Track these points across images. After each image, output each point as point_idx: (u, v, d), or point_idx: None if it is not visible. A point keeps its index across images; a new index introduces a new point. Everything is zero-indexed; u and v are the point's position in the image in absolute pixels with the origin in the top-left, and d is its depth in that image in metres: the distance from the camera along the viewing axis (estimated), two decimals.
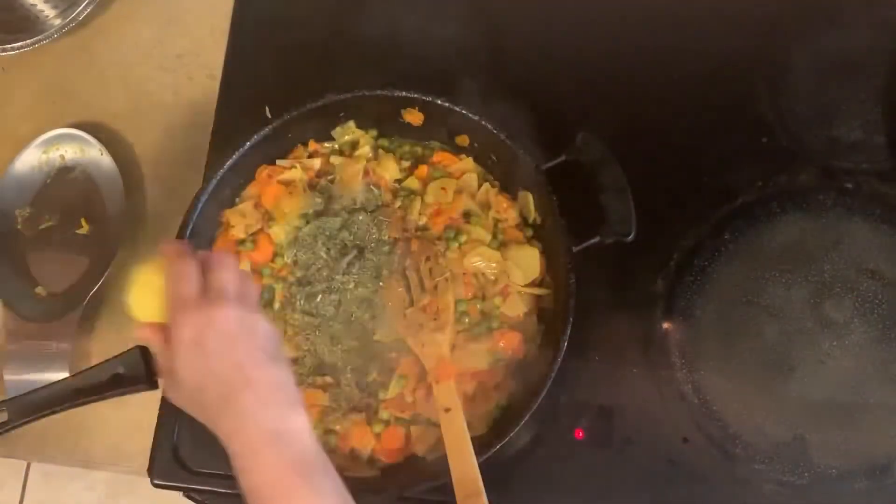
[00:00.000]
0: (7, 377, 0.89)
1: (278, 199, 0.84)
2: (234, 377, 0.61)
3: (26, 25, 1.02)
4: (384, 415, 0.79)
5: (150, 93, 1.00)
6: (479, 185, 0.85)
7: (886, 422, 0.79)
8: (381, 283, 0.82)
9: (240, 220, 0.84)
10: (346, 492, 0.60)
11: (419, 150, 0.88)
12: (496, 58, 0.94)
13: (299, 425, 0.61)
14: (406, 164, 0.87)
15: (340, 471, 0.76)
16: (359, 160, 0.85)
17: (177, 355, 0.62)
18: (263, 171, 0.86)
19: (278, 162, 0.87)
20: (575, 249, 0.78)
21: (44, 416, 0.75)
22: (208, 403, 0.62)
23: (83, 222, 0.94)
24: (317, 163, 0.86)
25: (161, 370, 0.66)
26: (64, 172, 0.97)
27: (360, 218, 0.83)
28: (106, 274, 0.90)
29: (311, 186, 0.85)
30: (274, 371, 0.62)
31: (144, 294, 0.66)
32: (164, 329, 0.64)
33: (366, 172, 0.85)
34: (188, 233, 0.81)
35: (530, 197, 0.83)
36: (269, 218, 0.84)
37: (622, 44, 0.94)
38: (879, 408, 0.79)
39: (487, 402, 0.79)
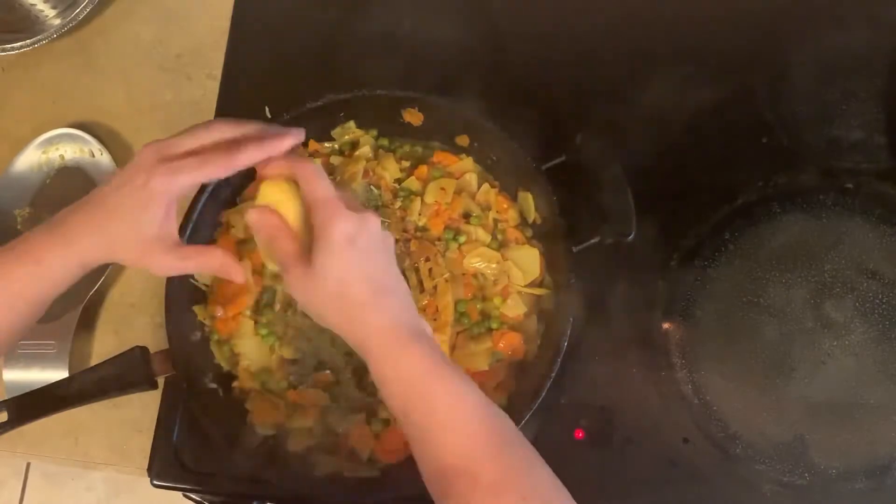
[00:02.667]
0: (7, 377, 0.89)
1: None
2: (383, 279, 0.64)
3: (26, 25, 1.02)
4: (384, 415, 0.79)
5: (149, 93, 1.00)
6: (479, 186, 0.85)
7: (886, 422, 0.79)
8: None
9: (240, 221, 0.84)
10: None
11: (419, 150, 0.88)
12: (496, 58, 0.94)
13: (430, 331, 0.65)
14: (406, 164, 0.87)
15: (340, 471, 0.78)
16: (359, 160, 0.85)
17: (327, 250, 0.62)
18: None
19: None
20: (575, 249, 0.78)
21: (44, 416, 0.75)
22: (351, 300, 0.63)
23: None
24: (317, 163, 0.86)
25: (288, 256, 0.65)
26: (63, 172, 0.97)
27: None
28: (106, 274, 0.90)
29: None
30: (404, 287, 0.66)
31: (281, 194, 0.66)
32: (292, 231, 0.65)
33: (366, 172, 0.85)
34: (188, 233, 0.81)
35: (530, 197, 0.83)
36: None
37: (622, 44, 0.94)
38: (879, 408, 0.79)
39: None
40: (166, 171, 0.62)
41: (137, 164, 0.63)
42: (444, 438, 0.59)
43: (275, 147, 0.65)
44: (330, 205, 0.63)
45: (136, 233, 0.64)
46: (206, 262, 0.68)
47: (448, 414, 0.60)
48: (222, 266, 0.68)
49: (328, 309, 0.64)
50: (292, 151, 0.68)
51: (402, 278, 0.66)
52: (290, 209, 0.66)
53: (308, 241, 0.65)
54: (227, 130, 0.65)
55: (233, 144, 0.64)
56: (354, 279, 0.63)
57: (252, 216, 0.66)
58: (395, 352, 0.62)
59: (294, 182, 0.66)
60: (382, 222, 0.82)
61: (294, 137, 0.67)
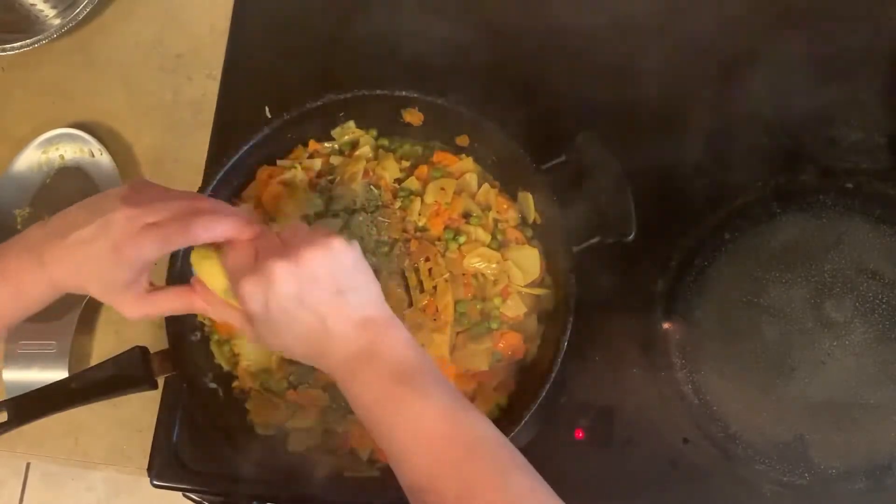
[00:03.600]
0: (7, 377, 0.89)
1: (278, 199, 0.84)
2: (315, 327, 0.62)
3: (26, 25, 1.02)
4: None
5: (149, 93, 1.00)
6: (479, 186, 0.85)
7: (886, 422, 0.79)
8: (379, 284, 0.82)
9: None
10: (455, 390, 0.61)
11: (419, 150, 0.88)
12: (496, 58, 0.94)
13: (391, 340, 0.62)
14: (406, 164, 0.87)
15: (340, 471, 0.78)
16: (359, 160, 0.85)
17: (260, 331, 0.64)
18: (264, 172, 0.86)
19: (279, 162, 0.87)
20: (575, 249, 0.78)
21: (44, 416, 0.75)
22: (304, 354, 0.64)
23: None
24: (317, 163, 0.86)
25: (251, 337, 0.66)
26: (63, 172, 0.97)
27: (360, 219, 0.83)
28: None
29: (312, 187, 0.85)
30: (349, 302, 0.62)
31: (210, 272, 0.67)
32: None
33: (366, 172, 0.85)
34: None
35: (530, 197, 0.83)
36: (269, 218, 0.84)
37: (622, 44, 0.94)
38: (879, 408, 0.79)
39: (487, 402, 0.79)
40: (133, 245, 0.62)
41: (109, 224, 0.62)
42: (406, 461, 0.59)
43: (236, 227, 0.64)
44: (234, 279, 0.63)
45: (106, 285, 0.64)
46: (174, 306, 0.69)
47: (406, 436, 0.59)
48: (186, 307, 0.69)
49: (289, 348, 0.65)
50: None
51: (343, 292, 0.62)
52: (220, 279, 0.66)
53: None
54: (196, 202, 0.65)
55: (198, 216, 0.63)
56: (292, 343, 0.63)
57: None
58: (347, 384, 0.62)
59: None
60: (382, 223, 0.82)
61: (255, 227, 0.65)
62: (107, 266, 0.63)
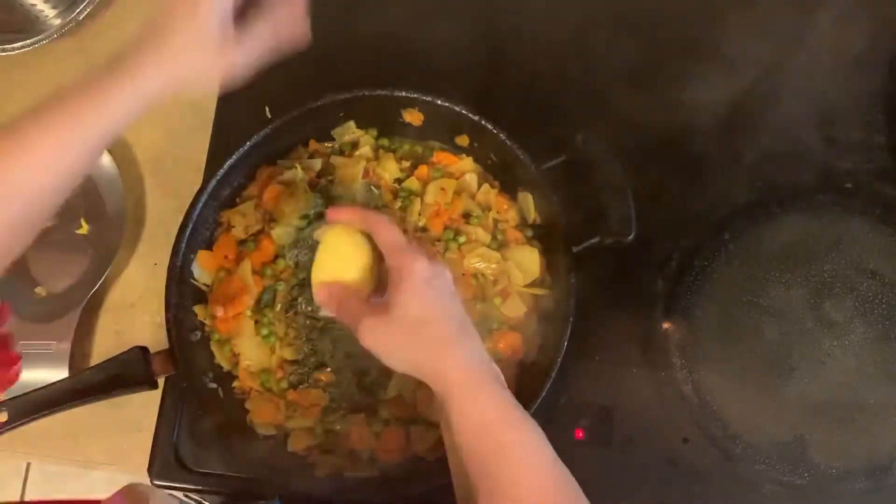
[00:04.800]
0: None
1: (279, 199, 0.84)
2: (462, 321, 0.65)
3: (26, 25, 1.02)
4: (384, 415, 0.79)
5: None
6: (479, 186, 0.85)
7: (886, 422, 0.79)
8: None
9: (240, 221, 0.84)
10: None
11: (419, 150, 0.88)
12: (496, 58, 0.94)
13: (502, 376, 0.64)
14: (406, 164, 0.87)
15: (340, 471, 0.78)
16: (359, 160, 0.85)
17: (407, 290, 0.64)
18: (264, 172, 0.86)
19: (279, 162, 0.87)
20: (575, 249, 0.78)
21: (44, 416, 0.75)
22: (434, 336, 0.64)
23: (82, 222, 0.94)
24: (317, 163, 0.86)
25: (359, 313, 0.66)
26: None
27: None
28: (106, 274, 0.90)
29: (312, 187, 0.85)
30: (473, 330, 0.66)
31: (332, 257, 0.70)
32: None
33: (366, 172, 0.85)
34: (188, 233, 0.81)
35: (530, 197, 0.83)
36: (269, 218, 0.84)
37: (623, 44, 0.94)
38: (879, 408, 0.79)
39: None
40: None
41: None
42: (514, 486, 0.59)
43: None
44: (406, 249, 0.66)
45: (201, 48, 0.64)
46: (270, 37, 0.69)
47: (521, 462, 0.59)
48: (287, 35, 0.70)
49: (406, 347, 0.65)
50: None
51: (472, 326, 0.66)
52: (356, 257, 0.69)
53: (372, 288, 0.69)
54: None
55: None
56: (436, 316, 0.64)
57: (321, 296, 0.69)
58: (473, 391, 0.62)
59: (351, 231, 0.69)
60: None
61: None
62: (194, 31, 0.63)
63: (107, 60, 0.65)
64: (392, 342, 0.65)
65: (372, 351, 0.66)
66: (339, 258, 0.70)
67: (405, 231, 0.83)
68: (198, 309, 0.83)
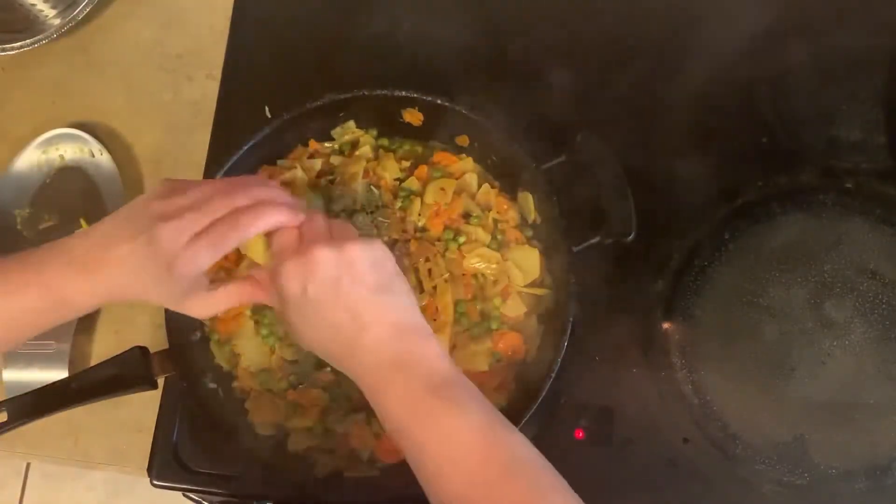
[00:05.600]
0: (7, 377, 0.89)
1: None
2: (348, 324, 0.61)
3: (26, 25, 1.02)
4: None
5: (149, 93, 1.00)
6: (479, 186, 0.85)
7: (887, 422, 0.79)
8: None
9: None
10: (491, 406, 0.60)
11: (419, 150, 0.88)
12: (496, 58, 0.94)
13: (425, 350, 0.61)
14: (406, 164, 0.87)
15: (340, 471, 0.78)
16: (359, 160, 0.85)
17: (290, 315, 0.63)
18: (264, 172, 0.86)
19: (279, 162, 0.87)
20: (575, 249, 0.78)
21: (44, 416, 0.75)
22: (331, 352, 0.63)
23: (83, 222, 0.94)
24: (318, 163, 0.86)
25: (283, 324, 0.66)
26: (63, 172, 0.97)
27: (360, 219, 0.83)
28: None
29: (312, 187, 0.85)
30: (387, 303, 0.61)
31: (256, 249, 0.68)
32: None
33: (366, 172, 0.85)
34: None
35: (530, 197, 0.83)
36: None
37: (623, 44, 0.94)
38: (880, 408, 0.79)
39: None
40: (188, 258, 0.61)
41: (156, 240, 0.61)
42: (438, 479, 0.57)
43: (291, 216, 0.64)
44: (280, 257, 0.63)
45: (167, 297, 0.65)
46: (239, 300, 0.69)
47: (439, 453, 0.57)
48: (253, 297, 0.69)
49: (322, 356, 0.65)
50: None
51: (382, 292, 0.62)
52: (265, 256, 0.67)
53: None
54: (239, 198, 0.64)
55: (247, 212, 0.63)
56: (323, 335, 0.63)
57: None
58: (377, 393, 0.60)
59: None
60: (382, 224, 0.82)
61: (298, 209, 0.66)
62: (161, 282, 0.62)
63: (54, 250, 0.64)
64: (313, 349, 0.65)
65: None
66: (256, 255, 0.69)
67: (404, 230, 0.83)
68: None
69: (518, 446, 0.58)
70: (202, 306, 0.67)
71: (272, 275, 0.64)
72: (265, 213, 0.63)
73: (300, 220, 0.65)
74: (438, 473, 0.57)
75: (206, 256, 0.62)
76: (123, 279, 0.62)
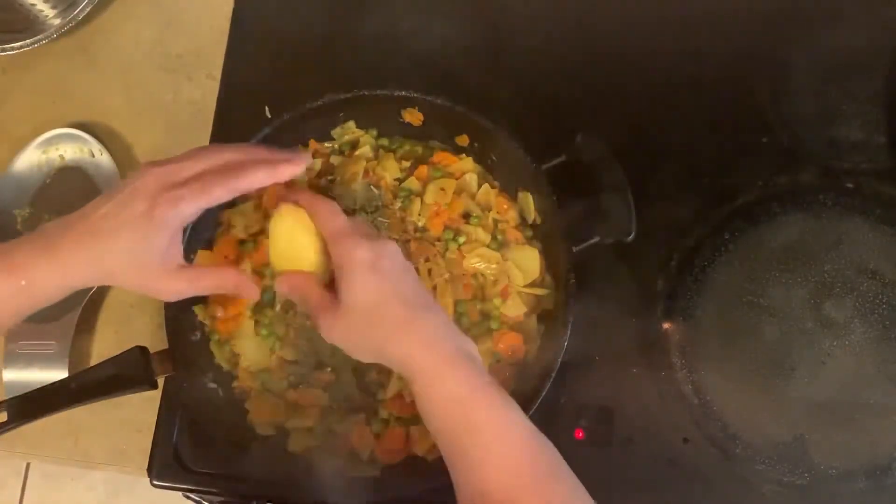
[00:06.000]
0: (7, 377, 0.89)
1: (279, 199, 0.84)
2: (417, 299, 0.62)
3: (26, 25, 1.02)
4: (384, 415, 0.79)
5: (149, 93, 1.00)
6: (479, 186, 0.85)
7: (886, 422, 0.79)
8: None
9: (240, 221, 0.84)
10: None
11: (419, 150, 0.88)
12: (496, 58, 0.94)
13: (469, 348, 0.62)
14: (406, 164, 0.87)
15: (340, 471, 0.78)
16: (359, 160, 0.85)
17: (352, 280, 0.62)
18: None
19: None
20: (575, 249, 0.78)
21: (44, 416, 0.75)
22: (386, 324, 0.62)
23: None
24: (317, 163, 0.86)
25: (316, 307, 0.64)
26: (63, 172, 0.96)
27: (360, 219, 0.83)
28: None
29: (312, 187, 0.85)
30: (435, 304, 0.64)
31: (286, 243, 0.67)
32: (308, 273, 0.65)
33: (366, 172, 0.85)
34: (188, 233, 0.81)
35: (530, 197, 0.83)
36: (269, 218, 0.84)
37: (622, 44, 0.94)
38: (879, 408, 0.79)
39: None
40: (169, 200, 0.60)
41: (137, 189, 0.61)
42: (485, 466, 0.57)
43: (283, 172, 0.64)
44: (346, 236, 0.63)
45: (137, 261, 0.62)
46: (218, 284, 0.66)
47: (492, 441, 0.58)
48: (236, 286, 0.67)
49: (365, 337, 0.63)
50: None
51: (435, 301, 0.64)
52: (306, 241, 0.67)
53: (329, 270, 0.67)
54: (230, 153, 0.64)
55: (237, 167, 0.63)
56: (386, 300, 0.62)
57: (282, 289, 0.67)
58: (439, 369, 0.60)
59: (302, 212, 0.67)
60: (382, 224, 0.82)
61: (301, 162, 0.66)
62: (137, 237, 0.60)
63: (34, 234, 0.62)
64: (351, 335, 0.63)
65: (337, 345, 0.64)
66: (295, 244, 0.68)
67: (404, 230, 0.83)
68: (198, 309, 0.83)
69: (558, 455, 0.60)
70: (171, 282, 0.64)
71: (333, 250, 0.64)
72: (259, 169, 0.62)
73: (297, 169, 0.65)
74: (486, 460, 0.57)
75: (191, 201, 0.60)
76: (91, 254, 0.60)
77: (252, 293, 0.69)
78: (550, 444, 0.60)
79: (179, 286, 0.64)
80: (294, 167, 0.65)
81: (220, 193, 0.61)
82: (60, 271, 0.61)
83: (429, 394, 0.60)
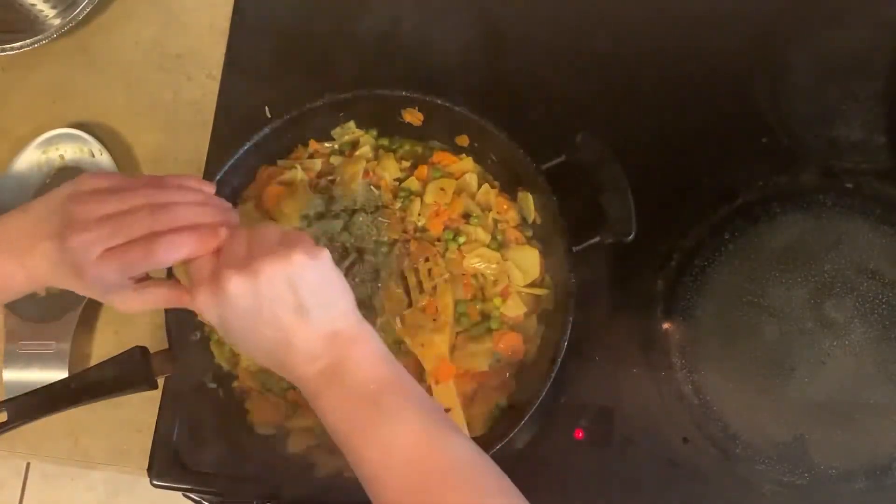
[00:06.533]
0: (7, 377, 0.89)
1: (279, 199, 0.84)
2: (276, 342, 0.59)
3: (26, 25, 1.02)
4: None
5: (149, 92, 1.00)
6: (479, 186, 0.85)
7: (886, 422, 0.79)
8: (379, 285, 0.82)
9: (244, 221, 0.84)
10: (432, 407, 0.59)
11: (419, 150, 0.88)
12: (496, 58, 0.94)
13: (360, 356, 0.59)
14: (406, 164, 0.87)
15: (340, 471, 0.78)
16: (359, 160, 0.85)
17: (226, 335, 0.62)
18: (264, 172, 0.86)
19: (279, 162, 0.87)
20: (575, 249, 0.78)
21: (44, 416, 0.75)
22: (269, 366, 0.62)
23: None
24: (318, 163, 0.86)
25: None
26: (63, 172, 0.96)
27: (360, 219, 0.83)
28: None
29: (312, 187, 0.85)
30: (312, 320, 0.59)
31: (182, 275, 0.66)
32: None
33: (366, 172, 0.85)
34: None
35: (530, 197, 0.83)
36: (269, 218, 0.84)
37: (622, 44, 0.94)
38: (879, 408, 0.79)
39: (487, 402, 0.79)
40: (95, 273, 0.60)
41: (65, 248, 0.59)
42: (376, 485, 0.56)
43: (209, 243, 0.61)
44: (195, 285, 0.61)
45: (91, 291, 0.63)
46: (165, 300, 0.65)
47: (375, 460, 0.56)
48: (177, 301, 0.66)
49: (248, 345, 0.63)
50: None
51: (309, 309, 0.59)
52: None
53: None
54: (154, 202, 0.61)
55: (161, 232, 0.61)
56: (250, 351, 0.62)
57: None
58: (314, 401, 0.59)
59: None
60: (382, 224, 0.82)
61: (222, 233, 0.62)
62: (79, 281, 0.61)
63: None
64: (240, 349, 0.65)
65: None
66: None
67: (404, 230, 0.83)
68: None
69: (459, 450, 0.57)
70: (124, 302, 0.63)
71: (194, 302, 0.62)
72: (180, 244, 0.60)
73: (219, 243, 0.61)
74: (374, 480, 0.56)
75: (114, 276, 0.60)
76: (48, 269, 0.61)
77: (187, 303, 0.66)
78: (447, 445, 0.57)
79: (132, 307, 0.64)
80: (215, 239, 0.61)
81: (141, 267, 0.61)
82: (26, 273, 0.62)
83: (318, 415, 0.59)
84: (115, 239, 0.60)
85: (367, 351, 0.60)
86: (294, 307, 0.59)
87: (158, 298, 0.65)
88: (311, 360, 0.59)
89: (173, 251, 0.60)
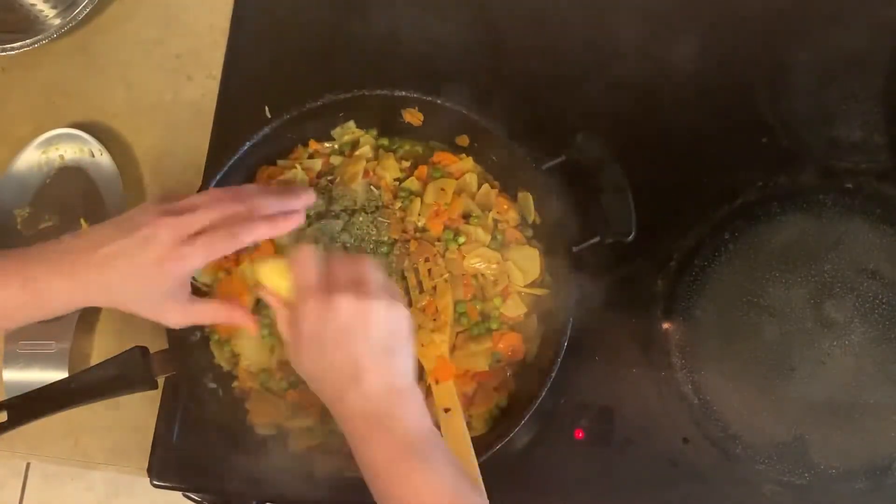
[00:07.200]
0: (7, 377, 0.89)
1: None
2: (346, 371, 0.63)
3: (26, 25, 1.02)
4: None
5: (149, 93, 1.00)
6: (479, 186, 0.85)
7: (886, 422, 0.79)
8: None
9: None
10: (460, 467, 0.63)
11: (419, 149, 0.88)
12: (496, 58, 0.94)
13: (409, 411, 0.63)
14: (406, 164, 0.87)
15: (340, 471, 0.78)
16: (359, 160, 0.85)
17: (298, 347, 0.65)
18: (264, 172, 0.86)
19: (279, 162, 0.87)
20: (575, 249, 0.78)
21: (44, 416, 0.75)
22: (325, 391, 0.65)
23: (82, 222, 0.94)
24: (318, 163, 0.86)
25: (287, 347, 0.67)
26: (63, 172, 0.96)
27: (360, 219, 0.83)
28: None
29: (312, 187, 0.85)
30: (387, 364, 0.63)
31: (274, 274, 0.68)
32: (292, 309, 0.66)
33: (366, 172, 0.85)
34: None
35: (530, 197, 0.83)
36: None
37: (623, 44, 0.94)
38: (879, 408, 0.79)
39: (487, 402, 0.79)
40: (179, 256, 0.64)
41: (149, 239, 0.63)
42: None
43: (281, 227, 0.68)
44: (303, 294, 0.64)
45: (146, 299, 0.66)
46: (222, 317, 0.72)
47: (402, 500, 0.60)
48: (237, 319, 0.72)
49: (314, 388, 0.66)
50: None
51: (386, 352, 0.64)
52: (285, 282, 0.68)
53: None
54: (235, 206, 0.66)
55: (240, 221, 0.66)
56: (322, 375, 0.64)
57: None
58: (358, 440, 0.63)
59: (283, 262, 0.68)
60: (382, 224, 0.82)
61: (299, 217, 0.68)
62: (148, 280, 0.64)
63: (46, 246, 0.65)
64: (301, 363, 0.66)
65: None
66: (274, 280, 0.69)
67: (404, 230, 0.83)
68: None
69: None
70: (179, 314, 0.68)
71: (292, 308, 0.65)
72: (260, 226, 0.66)
73: (295, 224, 0.68)
74: None
75: (198, 257, 0.64)
76: (105, 281, 0.64)
77: (252, 329, 0.73)
78: (472, 501, 0.62)
79: (185, 318, 0.69)
80: (290, 223, 0.68)
81: (224, 249, 0.65)
82: (73, 291, 0.64)
83: (358, 460, 0.63)
84: (202, 221, 0.64)
85: (415, 406, 0.64)
86: (380, 346, 0.63)
87: (211, 312, 0.71)
88: (369, 398, 0.63)
89: (255, 230, 0.65)
